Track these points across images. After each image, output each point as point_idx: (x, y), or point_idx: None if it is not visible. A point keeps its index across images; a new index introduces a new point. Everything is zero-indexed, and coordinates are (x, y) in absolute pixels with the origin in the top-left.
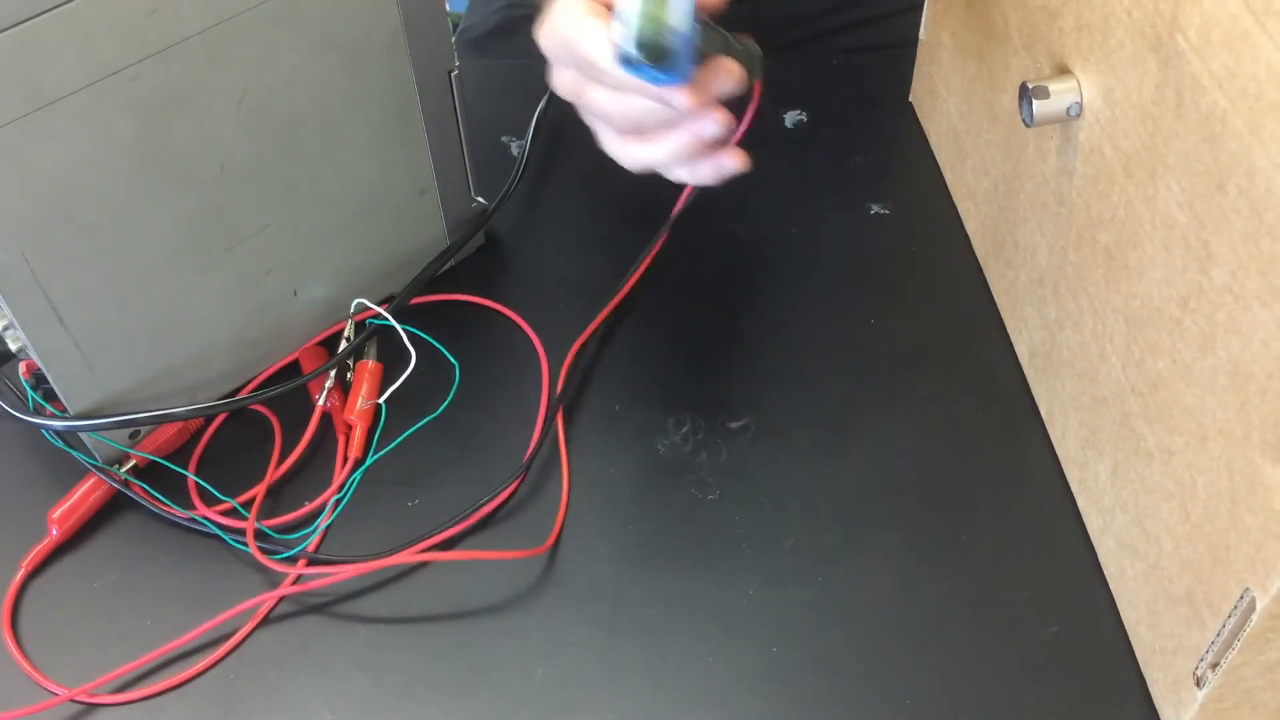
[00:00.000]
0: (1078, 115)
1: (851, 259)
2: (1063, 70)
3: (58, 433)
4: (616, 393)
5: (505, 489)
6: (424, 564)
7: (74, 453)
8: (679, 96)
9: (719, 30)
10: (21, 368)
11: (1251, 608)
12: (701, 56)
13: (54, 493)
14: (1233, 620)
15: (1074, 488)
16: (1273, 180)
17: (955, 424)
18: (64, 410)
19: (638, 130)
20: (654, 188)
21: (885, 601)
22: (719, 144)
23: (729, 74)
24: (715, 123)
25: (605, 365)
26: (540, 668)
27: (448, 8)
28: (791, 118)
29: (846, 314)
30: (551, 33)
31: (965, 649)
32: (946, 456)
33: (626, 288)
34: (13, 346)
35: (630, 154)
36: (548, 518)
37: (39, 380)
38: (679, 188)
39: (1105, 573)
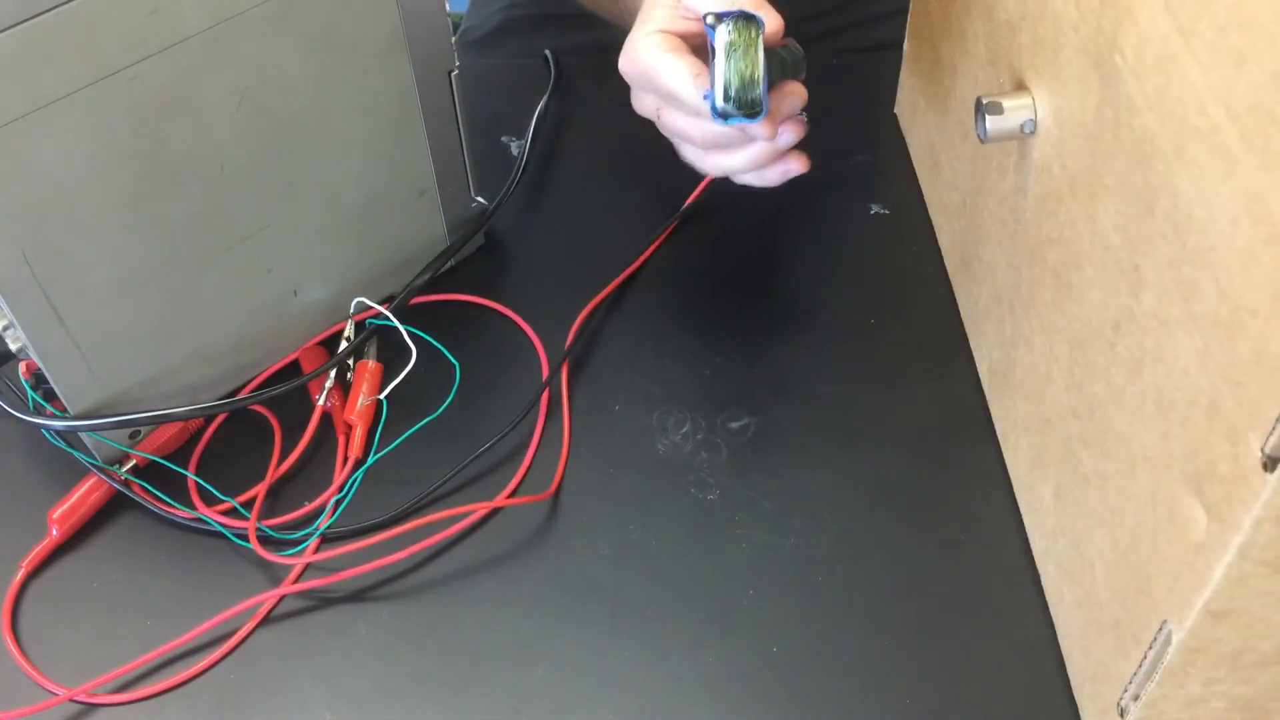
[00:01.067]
0: (1032, 132)
1: (852, 259)
2: (1020, 86)
3: (58, 433)
4: (616, 392)
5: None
6: (424, 564)
7: (74, 453)
8: (760, 128)
9: (776, 52)
10: (21, 368)
11: (1169, 640)
12: (771, 86)
13: (54, 493)
14: (1153, 652)
15: (1022, 510)
16: (1194, 205)
17: (956, 424)
18: (64, 410)
19: (716, 146)
20: (653, 187)
21: (885, 601)
22: (787, 151)
23: (796, 96)
24: (792, 133)
25: (605, 364)
26: (540, 667)
27: (448, 8)
28: None
29: (847, 314)
30: (632, 63)
31: (965, 650)
32: (946, 457)
33: (646, 254)
34: (13, 346)
35: (713, 163)
36: (547, 517)
37: (39, 380)
38: (679, 188)
39: (1046, 597)
